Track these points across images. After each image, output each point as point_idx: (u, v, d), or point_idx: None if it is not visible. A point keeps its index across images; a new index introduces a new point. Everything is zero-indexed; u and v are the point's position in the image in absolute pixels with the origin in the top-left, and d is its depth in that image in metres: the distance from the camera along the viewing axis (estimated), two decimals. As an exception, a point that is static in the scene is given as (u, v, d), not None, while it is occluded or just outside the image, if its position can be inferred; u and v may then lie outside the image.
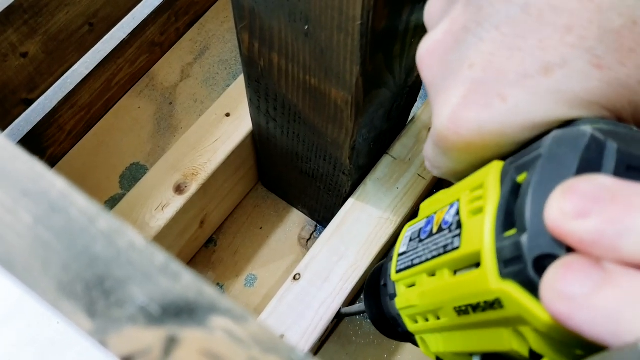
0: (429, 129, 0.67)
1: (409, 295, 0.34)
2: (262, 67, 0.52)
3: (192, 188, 0.64)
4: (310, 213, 0.76)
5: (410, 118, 0.68)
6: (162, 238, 0.64)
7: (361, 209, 0.63)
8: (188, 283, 0.17)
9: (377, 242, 0.61)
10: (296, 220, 0.77)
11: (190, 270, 0.17)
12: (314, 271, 0.60)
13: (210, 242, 0.75)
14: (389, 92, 0.53)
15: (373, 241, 0.61)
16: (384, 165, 0.65)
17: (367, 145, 0.58)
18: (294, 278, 0.59)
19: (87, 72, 0.74)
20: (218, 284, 0.73)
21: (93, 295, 0.17)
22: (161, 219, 0.63)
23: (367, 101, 0.49)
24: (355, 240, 0.61)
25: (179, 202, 0.63)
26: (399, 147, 0.66)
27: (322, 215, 0.73)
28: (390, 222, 0.62)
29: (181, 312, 0.17)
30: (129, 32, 0.77)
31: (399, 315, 0.37)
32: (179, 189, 0.64)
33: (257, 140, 0.68)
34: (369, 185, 0.64)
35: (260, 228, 0.76)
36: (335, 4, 0.39)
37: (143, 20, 0.77)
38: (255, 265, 0.74)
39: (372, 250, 0.60)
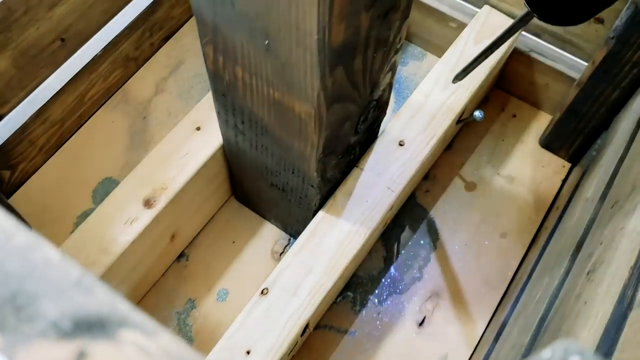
0: (399, 142, 0.67)
1: None
2: (228, 81, 0.53)
3: (161, 202, 0.64)
4: (283, 226, 0.76)
5: (380, 131, 0.68)
6: (132, 253, 0.63)
7: (331, 222, 0.63)
8: (101, 297, 0.17)
9: (345, 255, 0.61)
10: (269, 234, 0.77)
11: (105, 284, 0.17)
12: (281, 285, 0.60)
13: (182, 256, 0.75)
14: (354, 106, 0.53)
15: (342, 254, 0.61)
16: (354, 178, 0.65)
17: (334, 158, 0.58)
18: (262, 292, 0.59)
19: (59, 87, 0.74)
20: (189, 299, 0.73)
21: (4, 312, 0.17)
22: (130, 233, 0.62)
23: (330, 114, 0.49)
24: (324, 254, 0.61)
25: (148, 216, 0.63)
26: (369, 161, 0.66)
27: (295, 229, 0.73)
28: (359, 235, 0.62)
29: (93, 326, 0.17)
30: (102, 47, 0.77)
31: None
32: (147, 203, 0.64)
33: (227, 154, 0.68)
34: (339, 198, 0.64)
35: (233, 242, 0.76)
36: (292, 19, 0.40)
37: (116, 36, 0.77)
38: (227, 280, 0.74)
39: (341, 263, 0.60)
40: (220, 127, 0.63)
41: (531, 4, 0.48)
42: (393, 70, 0.57)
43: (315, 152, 0.53)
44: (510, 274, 0.74)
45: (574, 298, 0.38)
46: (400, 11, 0.48)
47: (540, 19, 0.49)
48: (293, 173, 0.60)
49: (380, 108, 0.61)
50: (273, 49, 0.44)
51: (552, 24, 0.49)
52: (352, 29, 0.42)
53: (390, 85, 0.60)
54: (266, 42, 0.44)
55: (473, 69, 0.61)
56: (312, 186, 0.60)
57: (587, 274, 0.38)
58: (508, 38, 0.55)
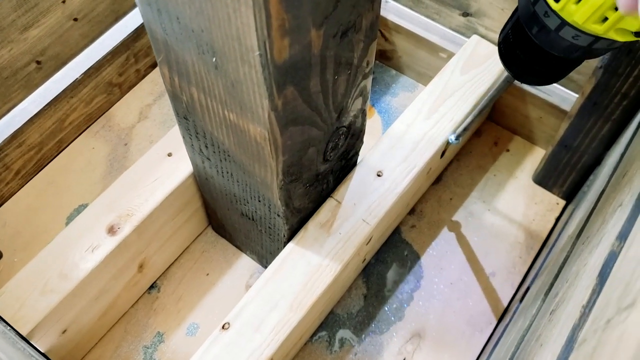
0: (377, 173, 0.64)
1: (590, 3, 0.38)
2: (186, 102, 0.51)
3: (125, 229, 0.61)
4: (259, 259, 0.73)
5: (359, 160, 0.65)
6: (94, 280, 0.61)
7: (300, 255, 0.59)
8: None
9: (313, 291, 0.57)
10: (245, 267, 0.74)
11: None
12: (244, 320, 0.56)
13: (153, 287, 0.72)
14: (318, 131, 0.51)
15: (309, 291, 0.58)
16: (327, 209, 0.62)
17: (301, 187, 0.55)
18: (223, 327, 0.56)
19: (36, 110, 0.73)
20: (158, 332, 0.69)
21: None
22: (91, 260, 0.60)
23: (286, 138, 0.47)
24: (290, 288, 0.58)
25: (110, 243, 0.61)
26: (344, 191, 0.63)
27: (270, 261, 0.70)
28: (330, 270, 0.59)
29: None
30: (83, 71, 0.76)
31: (577, 35, 0.40)
32: (111, 230, 0.61)
33: (198, 181, 0.66)
34: (310, 229, 0.61)
35: (207, 274, 0.73)
36: (233, 33, 0.37)
37: (98, 61, 0.76)
38: (198, 314, 0.70)
39: (307, 301, 0.57)
40: (187, 153, 0.61)
41: (507, 66, 0.51)
42: (364, 95, 0.54)
43: (276, 179, 0.51)
44: (498, 316, 0.70)
45: (535, 340, 0.34)
46: (362, 32, 0.46)
47: (516, 79, 0.52)
48: (259, 201, 0.58)
49: (354, 136, 0.59)
50: (221, 67, 0.42)
51: (527, 84, 0.52)
52: (300, 46, 0.40)
53: (363, 112, 0.57)
54: (214, 59, 0.41)
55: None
56: (278, 215, 0.57)
57: (550, 313, 0.35)
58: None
